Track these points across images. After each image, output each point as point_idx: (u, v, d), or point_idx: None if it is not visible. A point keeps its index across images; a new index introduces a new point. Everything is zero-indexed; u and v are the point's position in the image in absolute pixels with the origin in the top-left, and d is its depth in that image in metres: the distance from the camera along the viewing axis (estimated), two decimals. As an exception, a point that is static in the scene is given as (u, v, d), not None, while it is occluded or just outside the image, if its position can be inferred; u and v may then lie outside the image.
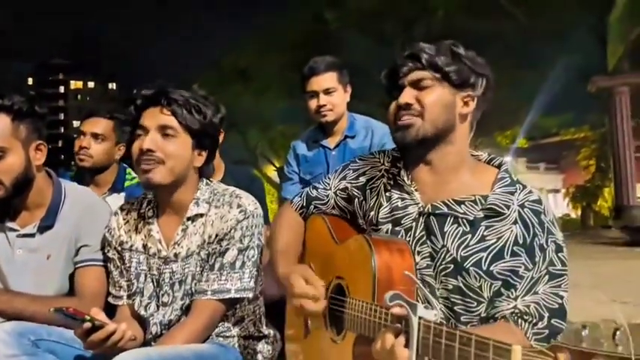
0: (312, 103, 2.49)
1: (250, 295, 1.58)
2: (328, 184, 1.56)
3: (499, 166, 1.36)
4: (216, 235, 1.55)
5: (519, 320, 1.22)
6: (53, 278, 1.71)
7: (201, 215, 1.58)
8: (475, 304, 1.25)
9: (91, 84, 77.10)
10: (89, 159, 2.41)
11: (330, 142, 2.57)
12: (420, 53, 1.32)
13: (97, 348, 1.36)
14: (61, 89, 69.28)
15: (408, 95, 1.32)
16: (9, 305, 1.53)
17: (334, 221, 1.52)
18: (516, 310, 1.22)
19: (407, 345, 1.02)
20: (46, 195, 1.71)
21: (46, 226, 1.69)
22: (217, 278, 1.53)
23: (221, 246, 1.55)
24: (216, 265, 1.54)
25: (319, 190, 1.57)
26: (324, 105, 2.47)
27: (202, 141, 1.58)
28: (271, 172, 24.84)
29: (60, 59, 73.71)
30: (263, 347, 1.69)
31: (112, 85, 77.51)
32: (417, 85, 1.32)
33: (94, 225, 1.72)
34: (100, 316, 1.40)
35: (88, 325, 1.33)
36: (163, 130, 1.53)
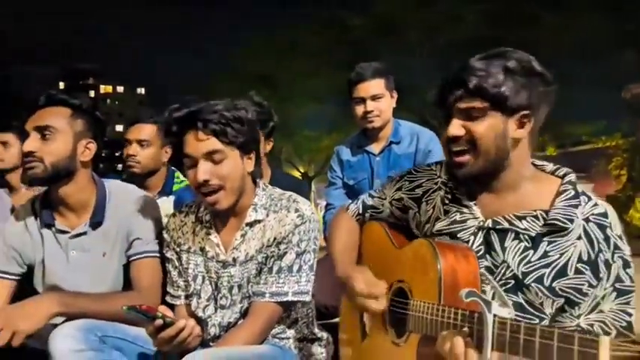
0: (359, 110, 2.51)
1: (307, 298, 1.60)
2: (384, 193, 1.56)
3: (563, 177, 1.31)
4: (275, 239, 1.58)
5: None
6: (109, 275, 1.77)
7: (260, 221, 1.61)
8: (537, 320, 1.23)
9: (120, 88, 78.66)
10: (137, 165, 2.47)
11: (375, 148, 2.59)
12: (469, 78, 1.22)
13: (166, 345, 1.39)
14: (92, 94, 70.81)
15: (456, 127, 1.26)
16: (74, 306, 1.57)
17: (392, 226, 1.53)
18: (579, 329, 1.20)
19: (479, 343, 1.03)
20: (89, 194, 1.77)
21: (96, 222, 1.75)
22: (275, 281, 1.56)
23: (279, 249, 1.57)
24: (274, 268, 1.57)
25: (375, 199, 1.58)
26: (371, 111, 2.49)
27: (247, 146, 1.58)
28: (298, 177, 24.85)
29: (89, 64, 75.40)
30: (317, 349, 1.71)
31: (141, 90, 78.90)
32: (465, 114, 1.25)
33: (143, 218, 1.78)
34: (169, 313, 1.43)
35: (159, 322, 1.37)
36: (210, 156, 1.51)
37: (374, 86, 2.47)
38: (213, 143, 1.51)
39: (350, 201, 1.70)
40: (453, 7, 15.03)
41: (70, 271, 1.75)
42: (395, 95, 2.57)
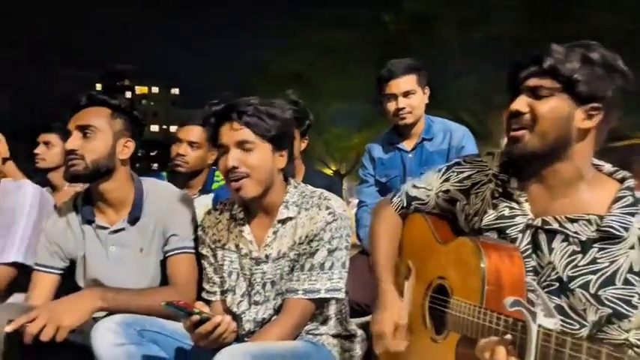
0: (391, 106, 2.50)
1: (340, 295, 1.61)
2: (430, 184, 1.53)
3: (622, 181, 1.25)
4: (306, 236, 1.60)
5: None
6: (147, 270, 1.82)
7: (291, 218, 1.63)
8: (577, 326, 1.20)
9: (155, 89, 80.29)
10: (185, 165, 2.55)
11: (407, 145, 2.57)
12: (544, 57, 1.19)
13: (203, 340, 1.42)
14: (128, 94, 72.53)
15: (521, 103, 1.22)
16: (115, 301, 1.62)
17: (435, 220, 1.51)
18: (627, 342, 1.16)
19: (521, 353, 1.00)
20: (127, 191, 1.82)
21: (134, 219, 1.80)
22: (307, 278, 1.58)
23: (311, 247, 1.59)
24: (307, 266, 1.58)
25: (420, 190, 1.55)
26: (403, 108, 2.47)
27: (280, 142, 1.62)
28: (331, 175, 24.83)
29: (126, 65, 77.24)
30: (351, 346, 1.72)
31: (175, 90, 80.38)
32: (533, 92, 1.21)
33: (179, 214, 1.82)
34: (205, 309, 1.46)
35: (196, 317, 1.39)
36: (241, 145, 1.57)
37: (406, 83, 2.46)
38: (245, 133, 1.56)
39: (392, 193, 1.67)
40: (488, 1, 14.76)
41: (110, 265, 1.81)
42: (427, 91, 2.55)
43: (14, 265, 1.84)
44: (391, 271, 1.52)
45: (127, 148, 1.81)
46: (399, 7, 16.27)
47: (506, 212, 1.31)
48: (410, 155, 2.56)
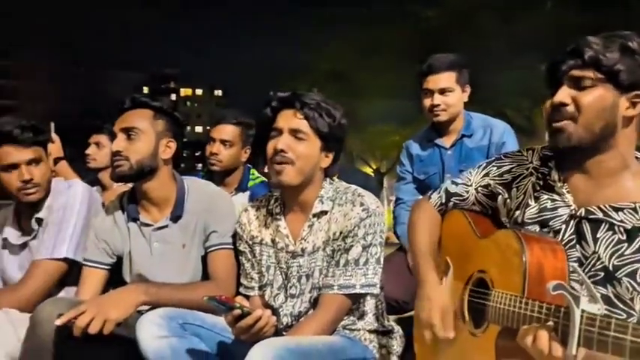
0: (427, 102, 2.48)
1: (375, 290, 1.62)
2: (469, 179, 1.53)
3: None
4: (341, 233, 1.62)
5: None
6: (188, 265, 1.87)
7: (325, 212, 1.66)
8: (625, 316, 1.18)
9: (199, 91, 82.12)
10: (219, 163, 2.62)
11: (446, 142, 2.54)
12: (584, 49, 1.20)
13: (244, 334, 1.45)
14: (173, 97, 74.47)
15: (563, 94, 1.22)
16: (158, 295, 1.69)
17: (474, 216, 1.50)
18: None
19: (563, 339, 1.00)
20: (170, 189, 1.89)
21: (176, 216, 1.87)
22: (343, 274, 1.60)
23: (345, 243, 1.61)
24: (341, 262, 1.61)
25: (459, 186, 1.55)
26: (438, 105, 2.45)
27: (330, 143, 1.66)
28: (368, 172, 24.83)
29: (171, 69, 79.41)
30: (389, 342, 1.72)
31: (218, 92, 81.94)
32: (575, 83, 1.22)
33: (219, 212, 1.87)
34: (245, 303, 1.50)
35: (237, 311, 1.43)
36: (295, 133, 1.63)
37: (444, 79, 2.43)
38: (302, 124, 1.63)
39: (431, 191, 1.67)
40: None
41: (153, 261, 1.88)
42: (467, 90, 2.51)
43: (65, 260, 1.93)
44: (431, 262, 1.52)
45: (169, 148, 1.88)
46: (442, 1, 16.03)
47: (549, 204, 1.31)
48: (449, 152, 2.53)
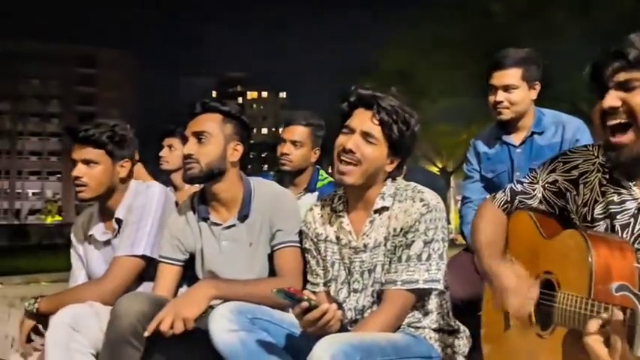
0: (491, 98, 2.42)
1: (439, 286, 1.62)
2: (535, 177, 1.50)
3: None
4: (401, 229, 1.63)
5: None
6: (256, 262, 1.94)
7: (387, 208, 1.68)
8: None
9: (264, 94, 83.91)
10: (289, 163, 2.68)
11: (515, 139, 2.47)
12: (628, 50, 1.18)
13: (311, 326, 1.49)
14: (240, 100, 76.59)
15: (612, 98, 1.21)
16: (227, 289, 1.77)
17: (540, 216, 1.47)
18: None
19: (630, 341, 0.97)
20: (237, 190, 1.95)
21: (244, 216, 1.94)
22: (405, 269, 1.61)
23: (406, 238, 1.62)
24: (403, 257, 1.62)
25: (525, 185, 1.53)
26: (501, 102, 2.39)
27: (399, 150, 1.68)
28: (434, 172, 24.40)
29: (238, 73, 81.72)
30: (454, 341, 1.71)
31: (283, 94, 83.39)
32: (623, 86, 1.20)
33: (284, 211, 1.93)
34: (313, 297, 1.54)
35: (305, 304, 1.47)
36: (367, 136, 1.65)
37: (509, 76, 2.36)
38: (376, 129, 1.65)
39: (495, 192, 1.65)
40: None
41: (223, 259, 1.96)
42: (537, 87, 2.41)
43: (143, 257, 2.04)
44: (497, 256, 1.49)
45: (236, 151, 1.95)
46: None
47: (615, 198, 1.28)
48: (518, 150, 2.45)
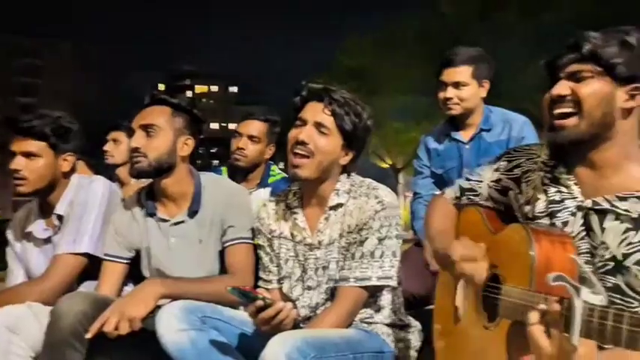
0: (441, 94, 2.48)
1: (392, 283, 1.63)
2: (481, 175, 1.54)
3: None
4: (356, 225, 1.63)
5: None
6: (206, 260, 1.89)
7: (342, 205, 1.67)
8: (636, 303, 1.19)
9: (214, 88, 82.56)
10: (244, 159, 2.63)
11: (464, 136, 2.52)
12: (583, 43, 1.23)
13: (265, 325, 1.47)
14: (189, 94, 75.06)
15: (562, 87, 1.25)
16: (176, 287, 1.71)
17: (488, 212, 1.51)
18: None
19: (567, 328, 1.00)
20: (187, 185, 1.90)
21: (193, 212, 1.89)
22: (359, 266, 1.61)
23: (361, 235, 1.62)
24: (357, 254, 1.62)
25: (472, 182, 1.56)
26: (451, 98, 2.44)
27: (352, 142, 1.67)
28: (384, 168, 24.77)
29: (187, 66, 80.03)
30: (406, 336, 1.73)
31: (233, 89, 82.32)
32: (573, 77, 1.25)
33: (236, 207, 1.89)
34: (267, 295, 1.52)
35: (260, 302, 1.44)
36: (319, 126, 1.64)
37: (459, 73, 2.42)
38: (328, 119, 1.64)
39: (445, 188, 1.68)
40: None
41: (171, 256, 1.90)
42: (486, 85, 2.48)
43: (85, 255, 1.95)
44: (448, 241, 1.50)
45: (186, 145, 1.90)
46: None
47: (557, 197, 1.32)
48: (467, 146, 2.51)
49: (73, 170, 2.08)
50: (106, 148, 3.13)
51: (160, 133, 1.84)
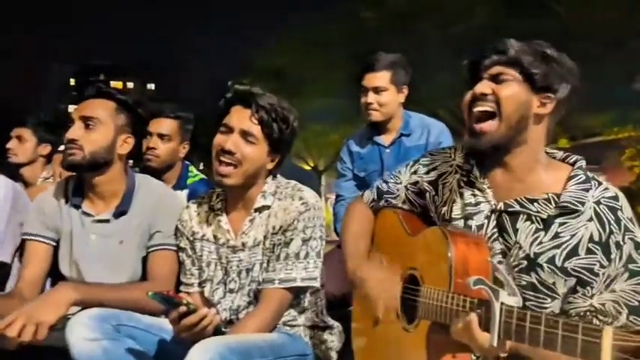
0: (363, 99, 2.53)
1: (316, 284, 1.64)
2: (399, 177, 1.57)
3: (574, 164, 1.35)
4: (280, 227, 1.63)
5: (595, 318, 1.22)
6: (125, 264, 1.80)
7: (267, 207, 1.66)
8: (548, 300, 1.26)
9: (130, 84, 79.10)
10: (156, 159, 2.51)
11: (385, 140, 2.59)
12: (508, 48, 1.29)
13: (187, 332, 1.41)
14: (102, 89, 71.25)
15: (484, 85, 1.30)
16: (90, 292, 1.60)
17: (405, 214, 1.54)
18: (592, 308, 1.23)
19: (487, 329, 1.05)
20: (119, 185, 1.82)
21: (121, 212, 1.80)
22: (283, 268, 1.60)
23: (285, 237, 1.62)
24: (282, 255, 1.61)
25: (390, 185, 1.59)
26: (371, 103, 2.50)
27: (278, 147, 1.66)
28: (306, 169, 24.93)
29: (100, 60, 76.03)
30: (328, 337, 1.74)
31: (151, 86, 79.33)
32: (495, 78, 1.30)
33: (166, 213, 1.82)
34: (190, 300, 1.47)
35: (183, 308, 1.39)
36: (246, 135, 1.61)
37: (379, 78, 2.48)
38: (255, 128, 1.61)
39: (364, 190, 1.71)
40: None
41: (89, 253, 1.80)
42: (404, 91, 2.56)
43: None
44: (365, 262, 1.54)
45: (126, 143, 1.82)
46: (382, 2, 16.33)
47: (472, 200, 1.38)
48: (387, 150, 2.58)
49: None
50: (9, 145, 2.90)
51: (101, 127, 1.76)
